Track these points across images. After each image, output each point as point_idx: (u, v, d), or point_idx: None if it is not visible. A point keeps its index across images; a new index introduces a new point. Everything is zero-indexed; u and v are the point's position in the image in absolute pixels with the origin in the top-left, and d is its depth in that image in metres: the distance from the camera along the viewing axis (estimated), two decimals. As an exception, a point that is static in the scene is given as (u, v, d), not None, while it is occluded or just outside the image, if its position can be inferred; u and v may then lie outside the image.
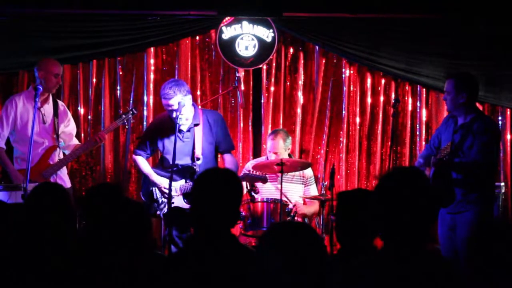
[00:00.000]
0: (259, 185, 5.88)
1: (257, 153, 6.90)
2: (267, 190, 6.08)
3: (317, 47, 7.03)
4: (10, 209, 3.34)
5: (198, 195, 3.00)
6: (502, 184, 6.55)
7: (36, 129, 5.72)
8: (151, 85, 6.98)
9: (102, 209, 2.95)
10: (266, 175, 5.69)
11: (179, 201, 5.53)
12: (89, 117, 6.93)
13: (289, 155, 6.37)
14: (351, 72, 7.03)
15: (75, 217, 3.60)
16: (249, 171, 5.73)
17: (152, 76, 6.99)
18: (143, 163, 5.68)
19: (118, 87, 6.98)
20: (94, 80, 6.96)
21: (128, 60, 7.00)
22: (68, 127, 6.10)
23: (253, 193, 5.53)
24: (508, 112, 6.93)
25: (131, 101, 6.96)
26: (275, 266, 2.22)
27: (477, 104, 5.43)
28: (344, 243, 3.32)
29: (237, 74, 6.62)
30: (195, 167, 5.49)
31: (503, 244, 2.31)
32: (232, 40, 6.88)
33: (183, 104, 5.39)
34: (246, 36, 6.89)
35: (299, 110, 7.04)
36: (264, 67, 7.01)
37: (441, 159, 5.03)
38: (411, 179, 2.54)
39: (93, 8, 6.79)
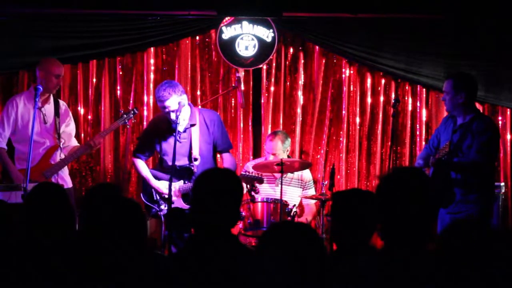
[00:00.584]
0: (259, 185, 5.88)
1: (257, 153, 6.90)
2: (264, 192, 6.08)
3: (317, 47, 7.03)
4: (10, 209, 3.34)
5: (198, 195, 3.00)
6: (502, 184, 6.55)
7: (37, 129, 5.72)
8: (151, 85, 6.98)
9: (102, 209, 2.94)
10: (262, 176, 5.67)
11: (178, 202, 5.53)
12: (89, 117, 6.93)
13: (289, 157, 6.36)
14: (351, 72, 7.03)
15: (75, 217, 3.59)
16: (249, 171, 5.73)
17: (152, 76, 6.99)
18: (142, 167, 5.68)
19: (118, 87, 6.98)
20: (94, 80, 6.96)
21: (128, 60, 7.00)
22: (68, 127, 6.10)
23: (253, 193, 5.53)
24: (508, 112, 6.92)
25: (131, 101, 6.96)
26: (275, 266, 2.22)
27: (477, 104, 5.44)
28: (340, 243, 3.32)
29: (237, 74, 6.62)
30: (192, 168, 5.49)
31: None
32: (232, 40, 6.88)
33: (183, 104, 5.40)
34: (246, 36, 6.89)
35: (299, 110, 7.04)
36: (264, 67, 7.01)
37: (439, 158, 5.03)
38: (411, 179, 2.54)
39: (93, 8, 6.78)
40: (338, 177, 6.92)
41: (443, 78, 6.45)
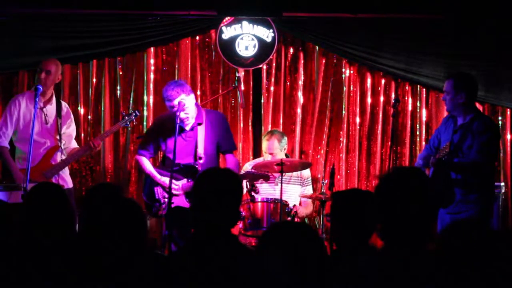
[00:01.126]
0: (258, 185, 5.89)
1: (257, 153, 6.90)
2: (264, 191, 6.09)
3: (317, 47, 7.03)
4: (10, 209, 3.34)
5: (198, 194, 3.01)
6: (502, 184, 6.55)
7: (38, 129, 5.72)
8: (151, 85, 6.98)
9: (102, 209, 2.94)
10: (268, 173, 5.68)
11: (180, 201, 5.53)
12: (89, 117, 6.93)
13: (286, 155, 6.38)
14: (351, 72, 7.03)
15: (75, 217, 3.59)
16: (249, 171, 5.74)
17: (152, 76, 6.99)
18: (146, 163, 5.66)
19: (118, 87, 6.98)
20: (94, 80, 6.95)
21: (128, 60, 7.00)
22: (69, 128, 6.10)
23: (253, 193, 5.53)
24: (508, 112, 6.92)
25: (131, 101, 6.95)
26: (275, 266, 2.22)
27: (477, 104, 5.43)
28: (340, 243, 3.32)
29: (237, 74, 6.62)
30: (197, 166, 5.49)
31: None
32: (232, 40, 6.88)
33: (183, 103, 5.40)
34: (246, 36, 6.89)
35: (299, 110, 7.04)
36: (264, 67, 7.01)
37: (440, 159, 5.03)
38: (411, 179, 2.54)
39: (93, 8, 6.78)
40: (338, 177, 6.92)
41: (443, 78, 6.45)
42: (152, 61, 6.98)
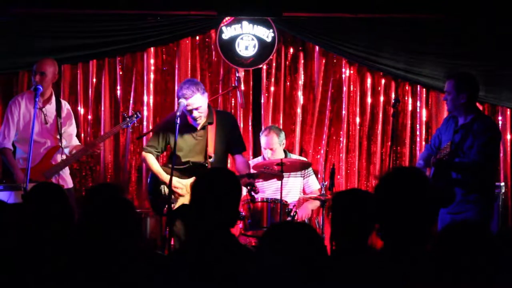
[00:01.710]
0: (260, 181, 5.89)
1: (257, 153, 6.90)
2: (262, 187, 6.08)
3: (317, 47, 7.03)
4: (10, 209, 3.34)
5: (197, 194, 3.01)
6: (502, 184, 6.55)
7: (37, 129, 5.72)
8: (151, 85, 6.98)
9: (101, 208, 2.94)
10: (282, 174, 5.66)
11: (187, 200, 5.51)
12: (89, 117, 6.93)
13: (285, 151, 6.38)
14: (351, 72, 7.03)
15: (75, 217, 3.59)
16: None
17: (152, 76, 6.99)
18: (153, 161, 5.61)
19: (118, 87, 6.98)
20: (94, 80, 6.96)
21: (128, 60, 7.00)
22: (69, 127, 6.10)
23: (253, 193, 5.52)
24: (508, 112, 6.92)
25: (131, 101, 6.96)
26: (275, 266, 2.22)
27: (477, 104, 5.43)
28: (340, 243, 3.32)
29: (237, 74, 6.61)
30: (207, 165, 5.49)
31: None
32: (232, 40, 6.88)
33: (183, 104, 5.39)
34: (246, 36, 6.89)
35: (299, 110, 7.04)
36: (264, 67, 7.01)
37: (441, 159, 5.03)
38: (411, 179, 2.54)
39: (93, 8, 6.79)
40: (338, 177, 6.92)
41: (443, 78, 6.45)
42: (152, 61, 6.98)
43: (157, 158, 5.64)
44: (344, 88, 7.00)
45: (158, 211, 5.59)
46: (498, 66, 6.78)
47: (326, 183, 5.78)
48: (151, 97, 6.98)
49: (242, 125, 6.98)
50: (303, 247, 2.26)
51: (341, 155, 7.01)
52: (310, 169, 6.44)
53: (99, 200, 3.13)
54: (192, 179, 5.51)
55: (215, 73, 7.04)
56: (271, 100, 7.04)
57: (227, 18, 6.86)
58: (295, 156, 6.47)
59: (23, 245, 3.20)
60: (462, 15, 6.70)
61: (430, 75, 6.84)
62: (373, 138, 7.04)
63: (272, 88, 7.04)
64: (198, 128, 5.51)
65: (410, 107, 7.02)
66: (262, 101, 7.02)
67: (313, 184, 6.41)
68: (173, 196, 5.45)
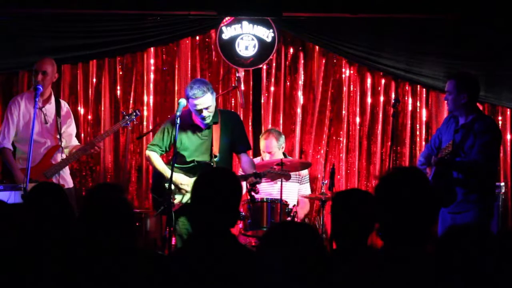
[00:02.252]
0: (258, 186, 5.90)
1: (257, 153, 6.90)
2: (262, 189, 6.08)
3: (317, 47, 7.03)
4: (10, 209, 3.34)
5: (197, 194, 3.01)
6: (502, 184, 6.55)
7: (37, 129, 5.72)
8: (151, 85, 6.98)
9: (101, 208, 2.94)
10: (289, 172, 5.65)
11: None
12: (89, 117, 6.93)
13: (284, 154, 6.39)
14: (351, 72, 7.03)
15: (75, 217, 3.59)
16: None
17: (152, 76, 6.99)
18: (158, 159, 5.60)
19: (118, 87, 6.98)
20: (94, 80, 6.96)
21: (128, 60, 7.00)
22: (69, 127, 6.10)
23: (253, 193, 5.52)
24: (508, 112, 6.93)
25: (131, 101, 6.96)
26: (275, 266, 2.22)
27: (478, 104, 5.43)
28: (340, 243, 3.32)
29: (237, 74, 6.62)
30: (212, 164, 5.49)
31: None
32: (232, 40, 6.88)
33: (183, 104, 5.39)
34: (246, 36, 6.89)
35: (299, 110, 7.04)
36: (264, 67, 7.01)
37: (442, 158, 5.03)
38: (411, 179, 2.54)
39: (93, 8, 6.79)
40: (338, 177, 6.92)
41: (443, 78, 6.46)
42: (152, 61, 6.98)
43: (161, 157, 5.63)
44: (344, 88, 7.00)
45: (160, 208, 5.57)
46: (498, 66, 6.78)
47: (326, 181, 5.78)
48: (151, 97, 6.98)
49: (242, 125, 6.98)
50: (303, 247, 2.26)
51: (341, 155, 7.01)
52: (307, 177, 6.46)
53: (99, 200, 3.13)
54: None
55: (215, 73, 7.04)
56: (271, 100, 7.04)
57: (227, 18, 6.86)
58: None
59: (23, 245, 3.20)
60: (462, 15, 6.70)
61: (430, 75, 6.84)
62: (373, 138, 7.04)
63: (272, 88, 7.04)
64: (203, 127, 5.52)
65: (410, 107, 7.02)
66: (262, 101, 7.02)
67: (306, 192, 6.42)
68: (177, 191, 5.45)
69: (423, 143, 6.84)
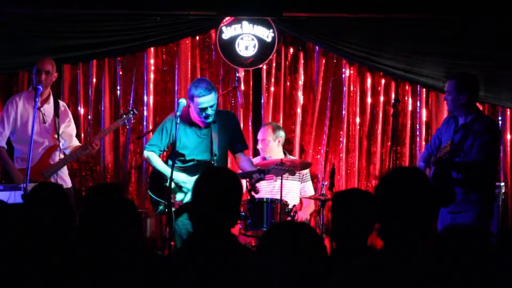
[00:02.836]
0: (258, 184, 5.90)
1: (257, 153, 6.90)
2: (262, 188, 6.09)
3: (317, 47, 7.03)
4: (10, 209, 3.34)
5: (198, 194, 3.01)
6: (502, 184, 6.55)
7: (36, 129, 5.72)
8: (151, 85, 6.98)
9: (101, 208, 2.94)
10: (294, 169, 5.66)
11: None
12: (89, 117, 6.93)
13: (284, 152, 6.40)
14: (351, 72, 7.03)
15: (75, 217, 3.59)
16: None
17: (152, 76, 6.99)
18: (158, 159, 5.61)
19: (118, 87, 6.98)
20: (94, 80, 6.96)
21: (128, 60, 7.00)
22: (68, 127, 6.10)
23: (253, 193, 5.52)
24: (508, 112, 6.92)
25: (131, 101, 6.95)
26: (275, 266, 2.22)
27: (477, 104, 5.43)
28: (339, 243, 3.32)
29: (237, 74, 6.62)
30: (213, 163, 5.50)
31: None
32: (232, 40, 6.88)
33: (183, 104, 5.41)
34: (246, 36, 6.89)
35: (299, 110, 7.04)
36: (264, 67, 7.01)
37: (441, 158, 5.03)
38: (411, 179, 2.54)
39: (93, 8, 6.78)
40: (338, 177, 6.92)
41: (443, 78, 6.46)
42: (152, 61, 6.98)
43: (159, 157, 5.64)
44: (344, 88, 7.00)
45: (159, 208, 5.56)
46: (498, 66, 6.78)
47: (326, 183, 5.78)
48: (151, 97, 6.98)
49: (242, 125, 6.97)
50: (303, 247, 2.26)
51: (341, 155, 7.01)
52: (308, 174, 6.47)
53: (99, 199, 3.13)
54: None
55: (215, 73, 7.04)
56: (271, 100, 7.04)
57: (227, 18, 6.86)
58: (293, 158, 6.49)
59: (24, 245, 3.20)
60: (462, 15, 6.70)
61: (430, 75, 6.84)
62: (373, 138, 7.04)
63: (272, 88, 7.04)
64: (202, 126, 5.53)
65: (410, 107, 7.02)
66: (262, 101, 7.02)
67: (309, 190, 6.45)
68: (178, 190, 5.45)
69: (423, 143, 6.84)
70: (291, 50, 7.08)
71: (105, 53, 6.91)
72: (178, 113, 5.35)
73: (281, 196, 5.67)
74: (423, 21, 6.84)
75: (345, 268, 2.55)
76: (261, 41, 6.87)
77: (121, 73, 6.99)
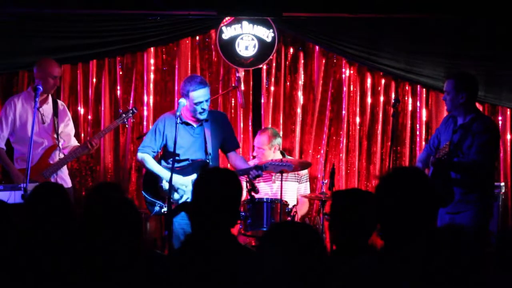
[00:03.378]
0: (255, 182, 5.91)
1: (256, 153, 6.91)
2: (262, 190, 6.09)
3: (317, 47, 7.03)
4: (10, 209, 3.34)
5: (198, 194, 3.01)
6: (502, 184, 6.55)
7: (35, 129, 5.72)
8: (151, 85, 6.98)
9: (101, 208, 2.94)
10: (291, 164, 5.68)
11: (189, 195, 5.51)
12: (89, 117, 6.93)
13: (282, 153, 6.39)
14: (351, 72, 7.03)
15: (76, 217, 3.59)
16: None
17: (152, 76, 6.99)
18: (152, 161, 5.62)
19: (118, 87, 6.98)
20: (94, 80, 6.96)
21: (128, 60, 7.00)
22: (67, 127, 6.10)
23: (253, 193, 5.53)
24: (508, 112, 6.93)
25: (131, 101, 6.96)
26: (275, 266, 2.22)
27: (477, 104, 5.43)
28: (340, 243, 3.32)
29: (237, 74, 6.62)
30: (208, 161, 5.51)
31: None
32: (232, 40, 6.88)
33: (183, 104, 5.42)
34: (246, 36, 6.89)
35: (299, 110, 7.04)
36: (264, 67, 7.01)
37: (439, 158, 5.03)
38: (411, 179, 2.54)
39: (93, 8, 6.78)
40: (338, 177, 6.92)
41: (443, 78, 6.46)
42: (152, 61, 6.98)
43: (153, 158, 5.66)
44: (344, 88, 7.00)
45: (155, 210, 5.58)
46: (498, 66, 6.78)
47: (326, 181, 5.78)
48: (151, 97, 6.98)
49: (242, 125, 6.98)
50: (303, 247, 2.26)
51: (341, 155, 7.01)
52: (306, 176, 6.46)
53: (99, 199, 3.13)
54: (193, 176, 5.52)
55: (215, 73, 7.04)
56: (271, 100, 7.04)
57: (227, 18, 6.86)
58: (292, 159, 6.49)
59: (24, 245, 3.20)
60: (462, 15, 6.70)
61: (430, 75, 6.84)
62: (373, 138, 7.04)
63: (272, 88, 7.04)
64: (195, 126, 5.54)
65: (410, 107, 7.02)
66: (262, 101, 7.02)
67: (305, 191, 6.44)
68: (174, 191, 5.46)
69: (423, 143, 6.84)
70: (291, 50, 7.08)
71: (105, 53, 6.91)
72: (178, 113, 5.36)
73: (281, 196, 5.67)
74: (423, 21, 6.83)
75: (345, 268, 2.55)
76: (261, 41, 6.87)
77: (121, 73, 6.99)
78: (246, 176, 5.53)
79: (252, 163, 6.31)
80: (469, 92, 5.16)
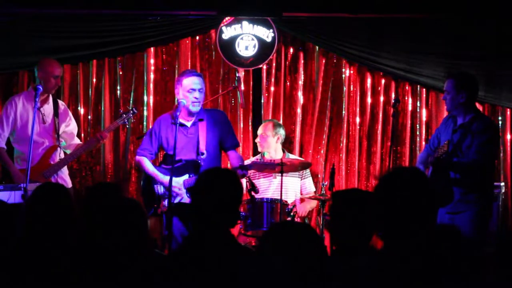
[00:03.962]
0: (255, 180, 5.91)
1: (257, 152, 6.90)
2: (261, 185, 6.09)
3: (317, 47, 7.03)
4: (10, 209, 3.34)
5: (198, 194, 3.01)
6: (502, 184, 6.55)
7: (36, 129, 5.72)
8: (151, 85, 6.98)
9: (102, 208, 2.94)
10: (274, 163, 5.69)
11: (184, 197, 5.52)
12: (89, 117, 6.93)
13: (283, 150, 6.40)
14: (351, 72, 7.04)
15: (76, 217, 3.59)
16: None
17: (152, 76, 6.99)
18: (148, 164, 5.65)
19: (118, 87, 6.98)
20: (94, 80, 6.96)
21: (128, 60, 7.00)
22: (69, 126, 6.11)
23: (253, 193, 5.53)
24: (508, 112, 6.93)
25: (131, 101, 6.96)
26: (275, 266, 2.22)
27: (477, 104, 5.43)
28: (340, 243, 3.32)
29: (237, 74, 6.62)
30: (200, 162, 5.51)
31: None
32: (232, 40, 6.88)
33: (183, 104, 5.43)
34: (246, 36, 6.89)
35: (299, 110, 7.04)
36: (264, 67, 7.01)
37: (438, 157, 5.02)
38: (411, 179, 2.54)
39: (93, 8, 6.78)
40: (338, 177, 6.92)
41: (443, 78, 6.45)
42: (152, 61, 6.98)
43: (153, 161, 5.67)
44: (344, 88, 7.01)
45: (151, 212, 5.60)
46: (498, 66, 6.78)
47: (326, 183, 5.79)
48: (151, 97, 6.98)
49: (242, 125, 6.99)
50: (303, 247, 2.26)
51: (341, 155, 7.01)
52: (308, 171, 6.47)
53: (99, 199, 3.13)
54: (185, 176, 5.53)
55: (215, 73, 7.05)
56: (271, 100, 7.04)
57: (227, 18, 6.86)
58: (293, 157, 6.49)
59: (25, 245, 3.20)
60: (462, 15, 6.70)
61: (430, 75, 6.84)
62: (373, 138, 7.04)
63: (272, 88, 7.04)
64: (189, 126, 5.54)
65: (410, 107, 7.02)
66: (262, 101, 7.02)
67: (310, 186, 6.46)
68: (166, 197, 5.47)
69: (423, 143, 6.84)
70: (291, 50, 7.08)
71: (105, 53, 6.90)
72: (178, 113, 5.37)
73: (281, 196, 5.67)
74: (423, 21, 6.84)
75: (345, 268, 2.55)
76: (261, 41, 6.87)
77: (121, 73, 6.99)
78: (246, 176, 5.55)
79: (249, 161, 6.33)
80: (469, 92, 5.16)
